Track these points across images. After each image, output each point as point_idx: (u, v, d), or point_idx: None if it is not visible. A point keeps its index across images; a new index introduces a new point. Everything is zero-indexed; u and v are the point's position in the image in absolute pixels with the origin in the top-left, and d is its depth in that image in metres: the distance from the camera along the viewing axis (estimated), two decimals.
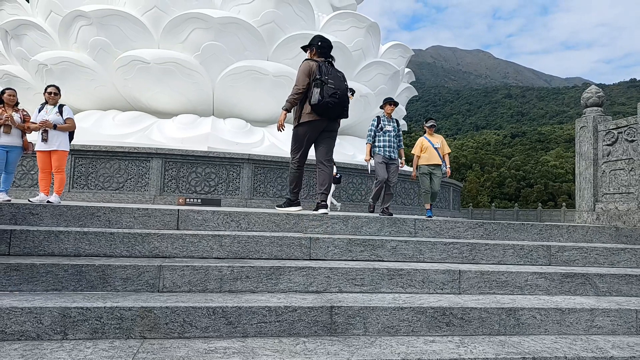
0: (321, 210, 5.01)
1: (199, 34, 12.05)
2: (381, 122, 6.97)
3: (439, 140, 7.69)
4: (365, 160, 7.14)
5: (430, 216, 6.99)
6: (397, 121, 7.17)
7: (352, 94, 5.15)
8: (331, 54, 5.29)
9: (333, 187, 10.33)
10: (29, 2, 14.50)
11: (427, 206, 7.65)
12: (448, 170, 7.60)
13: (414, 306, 3.18)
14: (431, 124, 7.76)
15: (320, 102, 4.71)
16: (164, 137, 11.82)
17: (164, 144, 11.28)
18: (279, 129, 4.98)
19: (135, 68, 12.14)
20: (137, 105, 13.12)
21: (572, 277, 4.01)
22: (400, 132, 7.16)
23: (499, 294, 3.82)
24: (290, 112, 5.02)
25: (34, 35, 13.06)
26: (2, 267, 3.03)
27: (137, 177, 10.12)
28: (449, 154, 7.75)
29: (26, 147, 6.44)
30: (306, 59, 5.11)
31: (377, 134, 6.93)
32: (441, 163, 7.51)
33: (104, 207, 4.18)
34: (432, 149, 7.49)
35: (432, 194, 7.50)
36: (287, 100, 4.94)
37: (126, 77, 12.41)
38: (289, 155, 5.35)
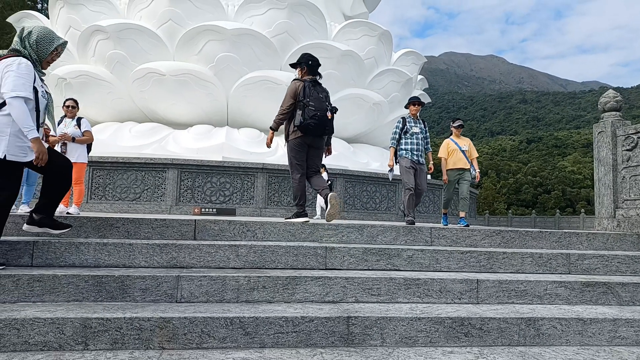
0: (331, 194, 5.06)
1: (213, 46, 12.24)
2: (407, 123, 6.49)
3: (466, 142, 7.12)
4: (388, 165, 6.57)
5: (446, 225, 6.71)
6: (424, 122, 6.72)
7: (335, 112, 5.38)
8: (319, 70, 5.56)
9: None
10: (49, 19, 14.91)
11: (444, 211, 7.24)
12: (477, 174, 7.06)
13: (431, 316, 3.15)
14: (459, 124, 7.16)
15: (302, 124, 5.08)
16: (180, 148, 11.98)
17: (180, 154, 11.43)
18: (267, 146, 5.45)
19: (151, 80, 12.37)
20: (153, 116, 13.34)
21: (593, 286, 3.93)
22: (428, 134, 6.67)
23: (517, 303, 3.77)
24: (277, 130, 5.41)
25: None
26: (25, 279, 3.10)
27: (154, 188, 10.27)
28: (477, 158, 7.18)
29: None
30: (295, 79, 5.40)
31: (402, 136, 6.47)
32: (469, 167, 6.97)
33: (122, 218, 4.25)
34: (459, 151, 6.96)
35: (461, 201, 6.93)
36: (273, 121, 5.35)
37: (142, 89, 12.65)
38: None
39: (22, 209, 6.42)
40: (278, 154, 12.43)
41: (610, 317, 3.40)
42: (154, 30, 12.48)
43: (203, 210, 9.76)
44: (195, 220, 4.35)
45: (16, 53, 3.40)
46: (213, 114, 13.03)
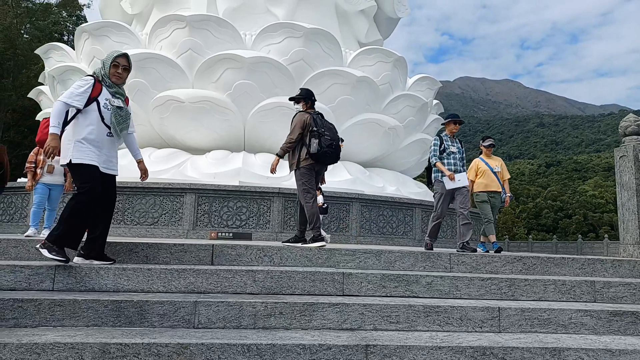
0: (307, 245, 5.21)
1: (231, 74, 12.51)
2: (444, 142, 6.09)
3: (498, 163, 6.60)
4: (449, 177, 5.84)
5: (498, 248, 6.09)
6: (461, 142, 6.35)
7: (342, 142, 5.67)
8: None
9: (320, 217, 10.13)
10: (74, 49, 15.50)
11: (493, 238, 6.52)
12: (508, 198, 6.53)
13: (452, 345, 3.07)
14: (489, 143, 6.67)
15: (319, 152, 5.29)
16: (198, 173, 12.14)
17: (198, 179, 11.57)
18: (272, 172, 5.63)
19: (170, 107, 12.66)
20: (172, 142, 13.59)
21: (621, 315, 3.79)
22: (464, 155, 6.25)
23: (541, 332, 3.65)
24: (283, 157, 5.63)
25: (77, 80, 13.88)
26: (47, 303, 3.14)
27: (172, 212, 10.37)
28: (508, 179, 6.66)
29: (68, 188, 6.71)
30: (300, 111, 5.68)
31: (440, 156, 6.05)
32: (501, 190, 6.47)
33: (142, 242, 4.30)
34: (490, 172, 6.42)
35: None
36: (281, 148, 5.59)
37: (162, 116, 12.93)
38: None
39: (44, 233, 6.54)
40: (294, 178, 12.48)
41: None
42: (174, 59, 12.85)
43: (219, 234, 9.79)
44: (213, 245, 4.37)
45: (92, 74, 4.16)
46: (230, 139, 13.22)
